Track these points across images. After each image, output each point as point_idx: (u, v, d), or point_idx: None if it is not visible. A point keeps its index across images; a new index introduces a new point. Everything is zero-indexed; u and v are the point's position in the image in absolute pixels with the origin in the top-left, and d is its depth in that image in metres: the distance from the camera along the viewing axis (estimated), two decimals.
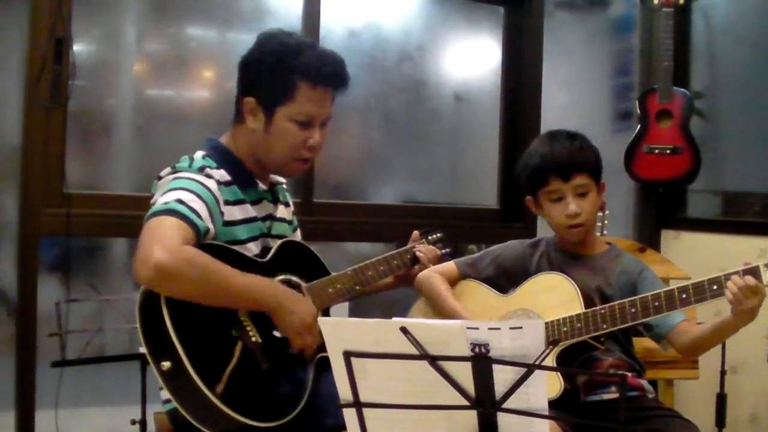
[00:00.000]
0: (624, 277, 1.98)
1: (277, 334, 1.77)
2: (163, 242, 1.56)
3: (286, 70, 1.80)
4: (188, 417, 1.59)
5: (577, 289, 1.89)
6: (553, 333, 1.84)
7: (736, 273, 1.70)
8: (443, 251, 2.22)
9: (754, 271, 1.68)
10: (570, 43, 3.41)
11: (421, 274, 2.12)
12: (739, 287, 1.67)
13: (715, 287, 1.72)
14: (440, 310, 2.08)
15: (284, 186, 2.07)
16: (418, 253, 2.12)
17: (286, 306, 1.73)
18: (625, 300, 1.82)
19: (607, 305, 1.83)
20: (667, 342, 1.92)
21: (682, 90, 3.16)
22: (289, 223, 2.06)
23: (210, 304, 1.65)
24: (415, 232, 2.20)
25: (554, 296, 1.92)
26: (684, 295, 1.75)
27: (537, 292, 1.97)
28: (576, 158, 1.97)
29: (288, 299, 1.75)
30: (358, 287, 2.00)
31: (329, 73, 1.83)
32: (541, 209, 2.05)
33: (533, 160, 2.02)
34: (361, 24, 3.00)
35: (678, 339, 1.90)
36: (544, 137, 2.07)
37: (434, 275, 2.12)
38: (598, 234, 2.38)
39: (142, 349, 1.65)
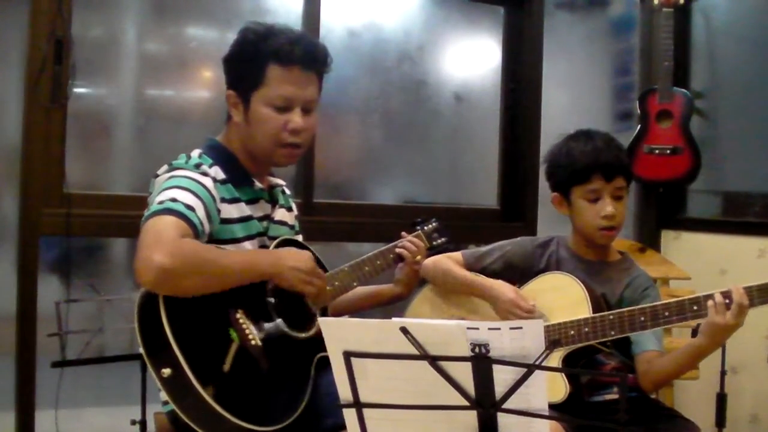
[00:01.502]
0: (629, 291, 1.97)
1: (274, 321, 1.77)
2: (161, 244, 1.55)
3: (254, 54, 1.80)
4: (189, 422, 1.59)
5: (586, 291, 1.87)
6: (560, 335, 1.83)
7: (750, 288, 1.69)
8: (440, 240, 2.18)
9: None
10: (570, 43, 3.41)
11: (429, 259, 2.11)
12: (738, 300, 1.67)
13: (727, 301, 1.69)
14: (453, 286, 2.07)
15: (285, 189, 2.06)
16: (401, 251, 2.09)
17: (284, 266, 1.75)
18: (635, 308, 1.80)
19: (616, 311, 1.81)
20: (634, 362, 1.91)
21: (682, 90, 3.16)
22: (291, 227, 2.04)
23: (215, 289, 1.65)
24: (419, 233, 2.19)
25: (562, 297, 1.90)
26: (695, 307, 1.72)
27: (544, 291, 1.95)
28: (620, 160, 1.97)
29: (282, 259, 1.77)
30: (356, 283, 2.00)
31: (301, 53, 1.80)
32: (568, 207, 2.03)
33: (572, 155, 1.99)
34: (361, 24, 3.00)
35: (640, 366, 1.89)
36: (579, 135, 2.02)
37: (445, 259, 2.10)
38: None
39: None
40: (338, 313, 2.05)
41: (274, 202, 1.97)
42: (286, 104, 1.81)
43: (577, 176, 1.98)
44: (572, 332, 1.83)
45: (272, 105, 1.81)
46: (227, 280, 1.67)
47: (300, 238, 2.10)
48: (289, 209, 2.05)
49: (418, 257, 2.11)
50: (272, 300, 1.79)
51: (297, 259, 1.78)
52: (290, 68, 1.80)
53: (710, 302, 1.69)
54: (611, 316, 1.80)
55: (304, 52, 1.81)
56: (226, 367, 1.64)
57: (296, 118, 1.82)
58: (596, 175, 1.95)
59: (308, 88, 1.84)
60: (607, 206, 1.95)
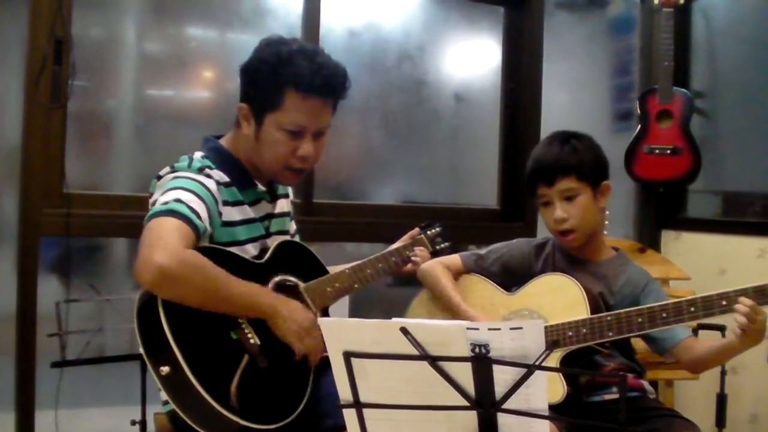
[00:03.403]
0: (628, 288, 1.96)
1: None
2: (164, 245, 1.55)
3: (275, 78, 1.78)
4: (188, 420, 1.59)
5: (584, 292, 1.87)
6: (558, 336, 1.83)
7: (745, 290, 1.68)
8: (442, 245, 2.20)
9: (763, 289, 1.67)
10: (570, 43, 3.41)
11: (424, 265, 2.11)
12: (749, 307, 1.65)
13: (724, 302, 1.70)
14: (443, 304, 2.07)
15: None
16: (413, 258, 2.12)
17: (282, 313, 1.73)
18: (632, 309, 1.80)
19: (613, 312, 1.82)
20: (670, 355, 1.91)
21: (682, 90, 3.16)
22: (287, 214, 2.07)
23: (207, 309, 1.64)
24: (416, 230, 2.20)
25: (560, 298, 1.90)
26: (693, 309, 1.73)
27: (542, 293, 1.95)
28: (561, 162, 1.94)
29: (284, 307, 1.74)
30: (356, 285, 1.99)
31: (320, 83, 1.79)
32: None
33: (528, 164, 2.02)
34: (361, 24, 3.00)
35: (683, 355, 1.89)
36: (544, 139, 2.06)
37: (438, 266, 2.10)
38: None
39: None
40: None
41: (274, 197, 1.98)
42: (298, 130, 1.81)
43: (528, 184, 2.02)
44: (570, 333, 1.83)
45: (285, 129, 1.81)
46: (222, 304, 1.66)
47: (293, 224, 2.13)
48: (286, 196, 2.07)
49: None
50: None
51: (296, 315, 1.76)
52: (308, 97, 1.79)
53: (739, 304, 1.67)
54: (609, 318, 1.80)
55: (324, 81, 1.80)
56: (226, 365, 1.65)
57: (306, 146, 1.83)
58: (539, 182, 1.97)
59: (324, 116, 1.85)
60: (556, 210, 1.95)
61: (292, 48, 1.82)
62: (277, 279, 1.84)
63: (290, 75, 1.77)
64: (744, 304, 1.66)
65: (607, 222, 2.42)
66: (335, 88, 1.84)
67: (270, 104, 1.80)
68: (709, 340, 1.88)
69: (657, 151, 3.14)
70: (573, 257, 2.03)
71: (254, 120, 1.83)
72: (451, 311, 2.04)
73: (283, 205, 2.03)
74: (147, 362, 1.61)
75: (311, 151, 1.83)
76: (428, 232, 2.20)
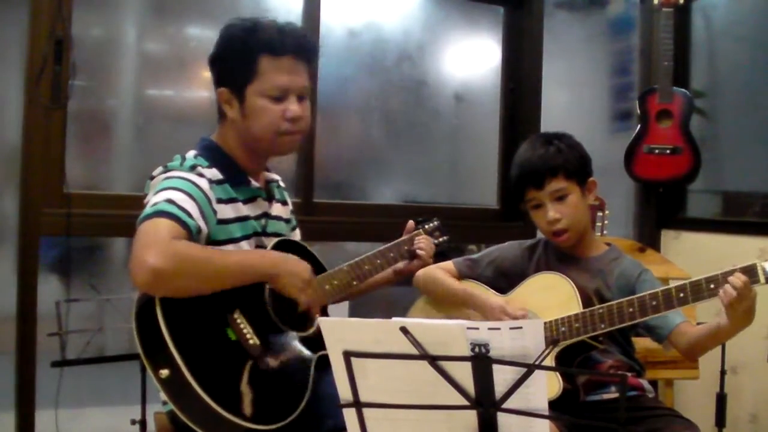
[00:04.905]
0: (622, 280, 1.96)
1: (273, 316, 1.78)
2: (155, 246, 1.56)
3: (245, 49, 1.81)
4: (188, 422, 1.59)
5: (575, 288, 1.88)
6: (552, 333, 1.84)
7: (733, 271, 1.69)
8: (441, 239, 2.20)
9: (751, 269, 1.68)
10: (570, 43, 3.42)
11: (420, 271, 2.11)
12: (734, 287, 1.65)
13: (712, 286, 1.71)
14: (446, 298, 2.08)
15: (280, 183, 2.07)
16: (419, 251, 2.11)
17: (283, 269, 1.76)
18: (623, 299, 1.81)
19: (605, 305, 1.82)
20: (668, 343, 1.91)
21: (682, 90, 3.16)
22: (287, 221, 2.05)
23: (211, 290, 1.65)
24: (411, 222, 2.18)
25: (552, 296, 1.91)
26: (681, 294, 1.74)
27: (535, 291, 1.96)
28: (547, 164, 1.95)
29: (282, 262, 1.78)
30: (355, 282, 1.99)
31: (291, 42, 1.83)
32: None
33: (513, 170, 2.02)
34: (361, 24, 3.00)
35: (679, 340, 1.89)
36: (526, 143, 2.05)
37: (435, 269, 2.12)
38: (598, 234, 2.38)
39: None
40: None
41: (270, 198, 1.98)
42: (282, 94, 1.83)
43: (515, 190, 2.02)
44: (564, 329, 1.84)
45: (268, 96, 1.82)
46: (222, 280, 1.67)
47: (297, 232, 2.12)
48: (284, 203, 2.06)
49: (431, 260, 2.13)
50: (270, 300, 1.79)
51: (295, 267, 1.79)
52: (282, 58, 1.82)
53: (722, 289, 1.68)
54: (600, 310, 1.81)
55: (294, 41, 1.83)
56: (225, 366, 1.65)
57: (293, 107, 1.84)
58: (528, 187, 1.98)
59: (301, 76, 1.86)
60: (548, 212, 1.95)
61: (255, 19, 1.85)
62: None
63: (260, 41, 1.81)
64: (739, 279, 1.66)
65: (606, 221, 2.43)
66: (305, 46, 1.87)
67: (247, 76, 1.82)
68: (702, 325, 1.87)
69: (657, 151, 3.14)
70: (566, 255, 2.04)
71: (236, 99, 1.84)
72: (467, 304, 2.04)
73: (280, 210, 2.02)
74: (146, 366, 1.61)
75: (299, 110, 1.85)
76: (426, 226, 2.19)
